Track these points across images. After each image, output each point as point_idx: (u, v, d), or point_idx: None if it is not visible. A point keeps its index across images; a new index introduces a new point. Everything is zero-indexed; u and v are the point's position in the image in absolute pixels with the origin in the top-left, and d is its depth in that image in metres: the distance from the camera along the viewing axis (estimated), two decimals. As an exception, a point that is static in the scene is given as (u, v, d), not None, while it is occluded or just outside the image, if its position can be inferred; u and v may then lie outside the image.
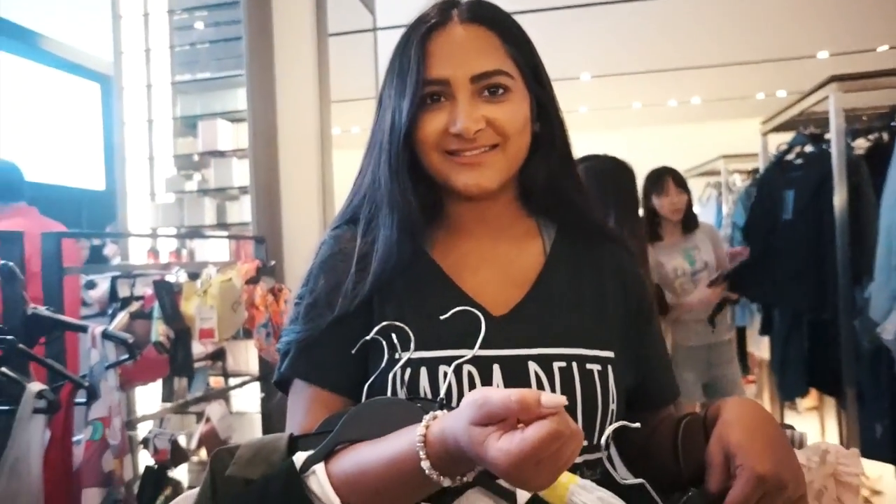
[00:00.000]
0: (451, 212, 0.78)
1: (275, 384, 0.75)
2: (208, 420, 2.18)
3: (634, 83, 7.99)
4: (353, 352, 0.71)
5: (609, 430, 0.67)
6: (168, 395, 2.25)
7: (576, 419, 0.67)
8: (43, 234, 1.47)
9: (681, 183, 2.47)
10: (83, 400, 1.35)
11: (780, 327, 2.65)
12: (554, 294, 0.75)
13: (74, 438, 1.33)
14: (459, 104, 0.70)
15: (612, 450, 0.75)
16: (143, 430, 2.05)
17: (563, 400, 0.49)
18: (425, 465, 0.53)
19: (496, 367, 0.68)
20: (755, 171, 3.77)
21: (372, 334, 0.70)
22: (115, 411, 1.32)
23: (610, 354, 0.73)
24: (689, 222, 2.47)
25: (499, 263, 0.77)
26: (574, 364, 0.70)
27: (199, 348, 2.13)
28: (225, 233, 2.72)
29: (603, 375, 0.71)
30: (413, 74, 0.71)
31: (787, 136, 2.67)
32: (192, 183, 2.78)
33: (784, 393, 2.82)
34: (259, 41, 2.62)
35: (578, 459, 0.68)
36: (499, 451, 0.47)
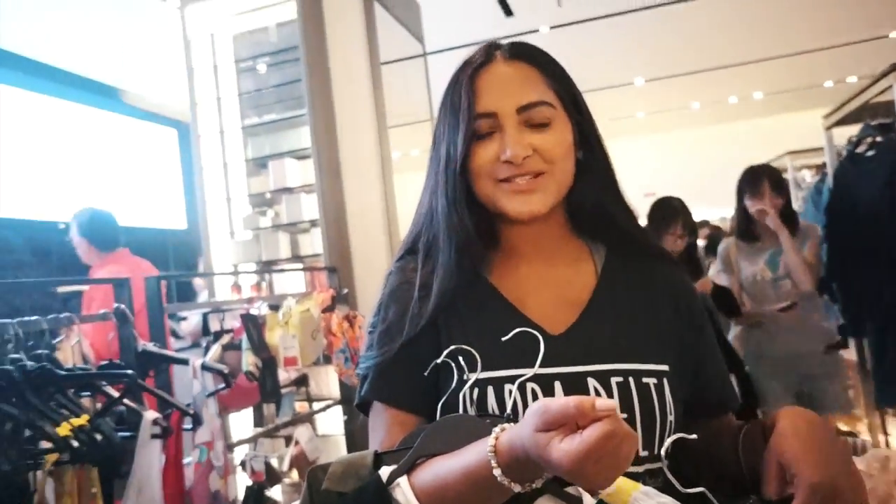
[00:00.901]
0: (505, 237, 0.84)
1: (356, 407, 0.82)
2: (297, 443, 2.31)
3: (692, 83, 7.83)
4: (424, 374, 0.76)
5: (667, 442, 0.71)
6: (259, 420, 2.41)
7: (635, 431, 0.70)
8: (146, 279, 1.63)
9: (778, 184, 2.35)
10: (189, 426, 1.49)
11: (873, 328, 2.47)
12: (607, 312, 0.79)
13: (185, 461, 1.47)
14: (507, 134, 0.76)
15: (671, 460, 0.78)
16: (239, 454, 2.21)
17: (615, 403, 0.54)
18: (497, 472, 0.58)
19: (557, 384, 0.73)
20: (823, 165, 3.64)
21: (441, 358, 0.76)
22: (218, 435, 1.46)
23: (665, 368, 0.76)
24: (787, 224, 2.30)
25: (554, 285, 0.81)
26: (631, 378, 0.74)
27: (284, 375, 2.27)
28: (300, 265, 2.88)
29: (659, 388, 0.74)
30: (464, 110, 0.77)
31: (853, 129, 2.59)
32: (266, 219, 2.97)
33: (883, 399, 2.57)
34: (318, 80, 2.79)
35: (640, 469, 0.72)
36: (561, 451, 0.52)
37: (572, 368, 0.74)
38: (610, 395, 0.72)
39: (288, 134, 3.01)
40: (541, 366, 0.72)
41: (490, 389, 0.73)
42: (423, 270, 0.82)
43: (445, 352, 0.76)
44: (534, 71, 0.79)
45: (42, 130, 5.71)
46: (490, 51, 0.81)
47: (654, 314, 0.81)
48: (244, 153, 3.05)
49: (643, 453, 0.73)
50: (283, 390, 2.33)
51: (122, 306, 1.48)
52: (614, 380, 0.73)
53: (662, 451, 0.71)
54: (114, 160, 6.35)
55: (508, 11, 5.76)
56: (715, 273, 2.69)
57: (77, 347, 1.42)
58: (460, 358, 0.76)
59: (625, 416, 0.71)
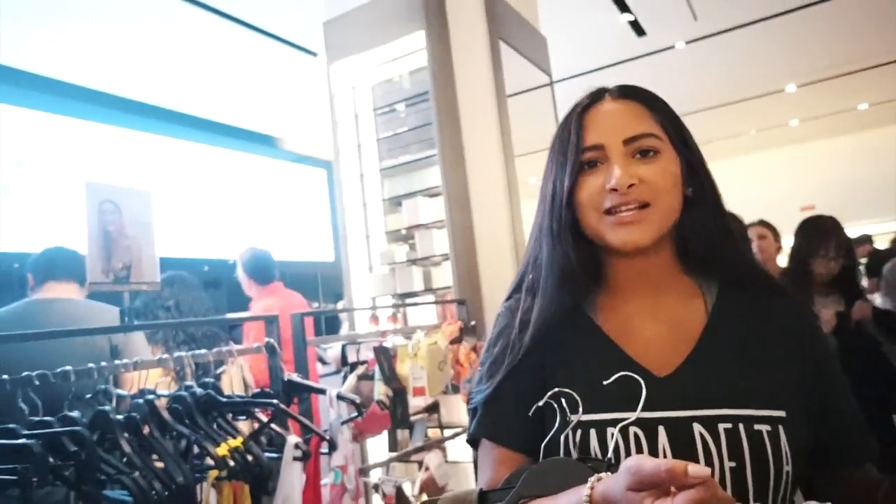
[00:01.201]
0: (611, 272, 0.84)
1: (467, 442, 0.86)
2: (427, 468, 2.41)
3: (856, 82, 7.08)
4: (529, 415, 0.78)
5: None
6: (393, 446, 2.55)
7: (745, 482, 0.69)
8: (292, 316, 1.83)
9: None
10: (326, 450, 1.64)
11: None
12: (718, 352, 0.76)
13: (322, 482, 1.62)
14: (614, 163, 0.77)
15: None
16: (374, 478, 2.35)
17: (708, 471, 0.52)
18: None
19: (661, 429, 0.72)
20: None
21: (543, 400, 0.78)
22: (350, 460, 1.59)
23: (781, 414, 0.72)
24: None
25: (661, 323, 0.80)
26: (741, 425, 0.71)
27: (418, 402, 2.39)
28: (431, 297, 3.02)
29: (773, 436, 0.71)
30: (573, 144, 0.80)
31: None
32: (401, 254, 3.15)
33: None
34: (447, 121, 2.94)
35: None
36: None
37: (678, 413, 0.72)
38: (717, 442, 0.70)
39: (421, 173, 3.19)
40: (645, 409, 0.72)
41: (592, 433, 0.74)
42: (524, 307, 0.84)
43: (548, 394, 0.78)
44: (640, 107, 0.81)
45: (210, 178, 6.52)
46: (598, 93, 0.84)
47: (771, 354, 0.77)
48: (381, 193, 3.28)
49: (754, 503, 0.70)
50: (415, 417, 2.45)
51: (272, 340, 1.67)
52: (722, 426, 0.71)
53: None
54: (272, 201, 7.08)
55: (640, 31, 5.64)
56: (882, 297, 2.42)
57: (238, 375, 1.63)
58: (563, 400, 0.77)
59: (733, 464, 0.69)
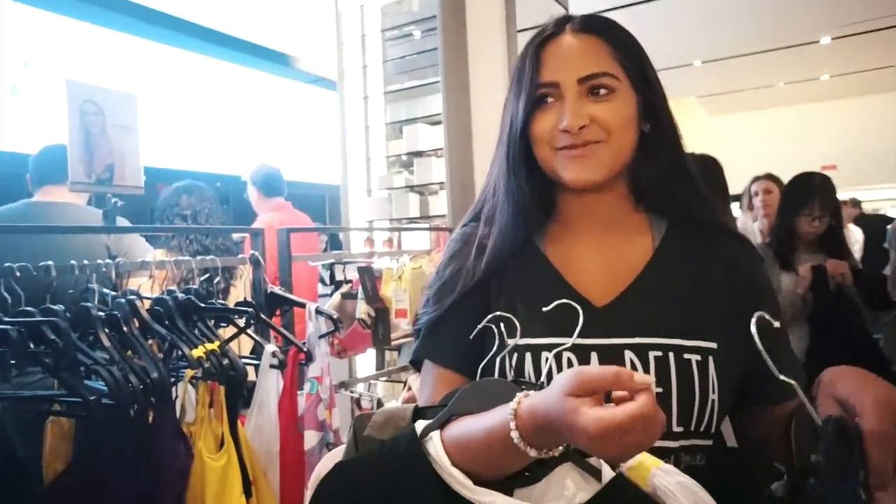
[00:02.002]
0: (562, 207, 0.85)
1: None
2: (409, 388, 2.50)
3: (893, 38, 6.76)
4: (470, 338, 0.80)
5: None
6: (380, 366, 2.65)
7: (670, 407, 0.73)
8: (278, 231, 1.86)
9: None
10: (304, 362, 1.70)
11: None
12: (656, 286, 0.79)
13: (299, 392, 1.69)
14: (567, 103, 0.77)
15: (714, 439, 0.78)
16: (357, 392, 2.45)
17: (651, 379, 0.54)
18: (514, 435, 0.59)
19: (594, 355, 0.75)
20: None
21: (483, 323, 0.80)
22: (326, 372, 1.65)
23: (712, 345, 0.75)
24: None
25: (606, 257, 0.82)
26: (671, 354, 0.74)
27: (406, 327, 2.46)
28: (426, 224, 3.04)
29: (702, 365, 0.74)
30: (527, 80, 0.80)
31: None
32: (400, 180, 3.15)
33: None
34: (453, 49, 2.87)
35: (674, 444, 0.73)
36: (590, 417, 0.52)
37: (611, 340, 0.75)
38: (646, 369, 0.73)
39: (425, 100, 3.15)
40: (580, 336, 0.72)
41: (528, 356, 0.76)
42: (481, 234, 0.85)
43: (488, 317, 0.80)
44: (601, 43, 0.79)
45: (224, 94, 6.44)
46: (561, 23, 0.82)
47: (709, 290, 0.79)
48: (384, 117, 3.25)
49: (677, 429, 0.73)
50: (403, 340, 2.53)
51: (256, 253, 1.71)
52: (653, 354, 0.74)
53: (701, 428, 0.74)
54: (284, 120, 7.02)
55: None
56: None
57: (248, 282, 1.67)
58: (502, 324, 0.79)
59: (660, 390, 0.71)
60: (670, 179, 0.82)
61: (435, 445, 0.67)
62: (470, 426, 0.66)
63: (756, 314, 0.64)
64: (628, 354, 0.75)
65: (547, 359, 0.75)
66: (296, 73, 7.26)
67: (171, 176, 2.67)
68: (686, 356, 0.74)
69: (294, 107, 7.30)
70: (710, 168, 2.08)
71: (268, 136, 6.73)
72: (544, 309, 0.77)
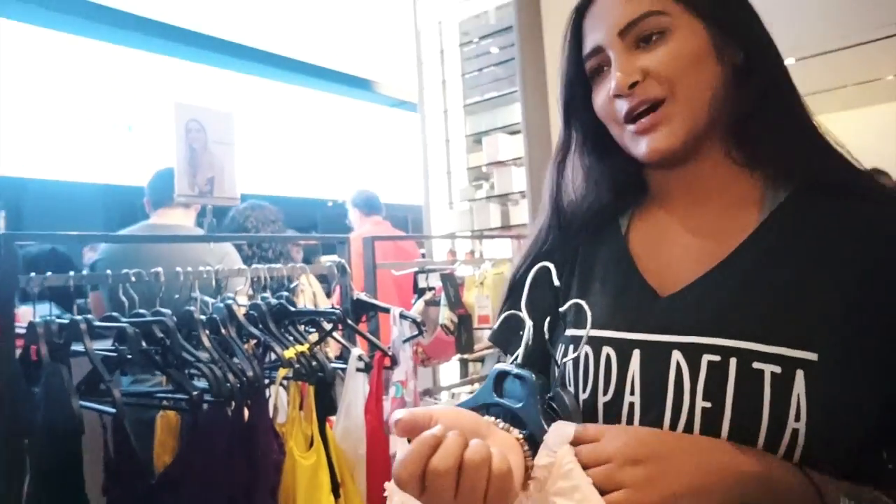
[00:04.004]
0: (652, 182, 0.73)
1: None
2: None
3: None
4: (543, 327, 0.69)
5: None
6: (465, 374, 2.66)
7: (719, 428, 0.56)
8: (364, 239, 1.93)
9: None
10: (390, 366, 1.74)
11: None
12: (742, 273, 0.61)
13: (385, 396, 1.73)
14: (613, 64, 0.64)
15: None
16: (443, 400, 2.47)
17: (428, 417, 0.51)
18: None
19: (636, 353, 0.62)
20: None
21: (562, 308, 0.69)
22: (410, 376, 1.68)
23: (807, 355, 0.54)
24: None
25: (697, 235, 0.66)
26: (733, 360, 0.56)
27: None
28: (508, 233, 3.04)
29: (782, 380, 0.54)
30: (567, 57, 0.71)
31: None
32: (481, 191, 3.18)
33: None
34: (531, 58, 2.88)
35: None
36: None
37: (658, 337, 0.61)
38: (694, 376, 0.58)
39: (503, 110, 3.17)
40: (626, 330, 0.64)
41: (570, 349, 0.68)
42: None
43: (567, 304, 0.69)
44: None
45: (315, 121, 6.76)
46: None
47: (828, 278, 0.57)
48: (464, 129, 3.29)
49: None
50: (488, 351, 2.53)
51: (342, 261, 1.77)
52: (707, 357, 0.57)
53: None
54: (369, 144, 7.27)
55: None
56: None
57: (309, 292, 1.75)
58: (571, 309, 0.69)
59: (707, 405, 0.56)
60: (782, 123, 0.64)
61: None
62: None
63: None
64: (675, 356, 0.59)
65: (587, 353, 0.66)
66: (378, 97, 7.51)
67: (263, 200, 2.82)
68: (757, 365, 0.55)
69: (377, 130, 7.55)
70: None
71: (352, 161, 6.99)
72: (590, 301, 0.66)
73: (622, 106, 0.64)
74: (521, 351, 0.66)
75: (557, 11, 2.90)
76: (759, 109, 0.63)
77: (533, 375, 0.62)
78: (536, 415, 0.60)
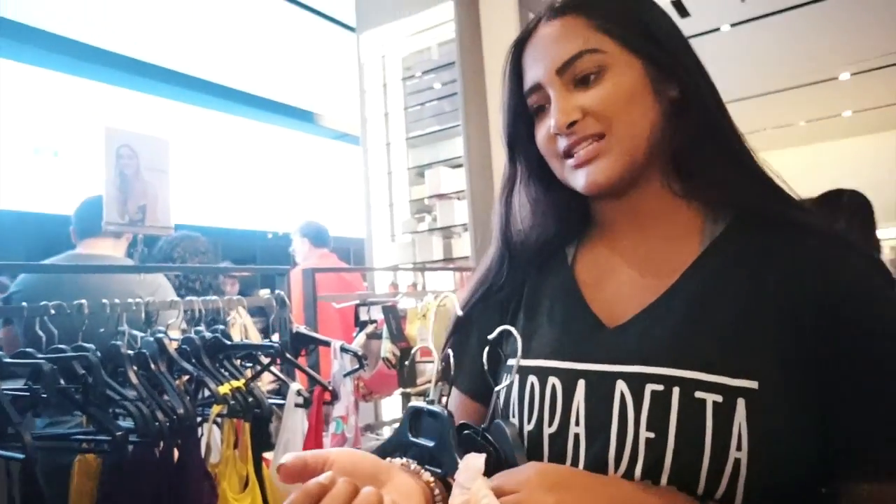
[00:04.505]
0: (596, 212, 0.74)
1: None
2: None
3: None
4: (480, 357, 0.70)
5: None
6: (406, 406, 2.61)
7: (662, 460, 0.55)
8: (304, 271, 1.88)
9: None
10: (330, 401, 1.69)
11: None
12: (684, 304, 0.61)
13: (325, 432, 1.67)
14: (552, 102, 0.65)
15: None
16: (385, 435, 2.41)
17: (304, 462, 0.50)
18: None
19: (581, 383, 0.62)
20: None
21: (493, 335, 0.70)
22: (351, 411, 1.63)
23: (748, 384, 0.55)
24: None
25: (640, 266, 0.67)
26: (676, 389, 0.56)
27: (431, 367, 2.43)
28: (450, 266, 3.05)
29: (723, 409, 0.54)
30: (508, 92, 0.72)
31: None
32: (423, 223, 3.18)
33: None
34: (473, 93, 2.94)
35: None
36: None
37: (603, 367, 0.62)
38: (638, 406, 0.58)
39: (445, 144, 3.21)
40: (573, 360, 0.64)
41: (516, 380, 0.68)
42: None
43: (496, 331, 0.71)
44: (576, 19, 0.65)
45: (255, 152, 6.65)
46: (532, 20, 0.70)
47: (765, 308, 0.58)
48: (406, 162, 3.31)
49: (669, 488, 0.55)
50: (428, 385, 2.49)
51: (281, 293, 1.72)
52: (650, 387, 0.58)
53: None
54: (308, 177, 7.20)
55: (684, 12, 5.48)
56: None
57: (240, 324, 1.68)
58: (513, 340, 0.69)
59: (650, 435, 0.56)
60: (715, 158, 0.64)
61: None
62: None
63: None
64: (620, 385, 0.59)
65: (532, 383, 0.66)
66: (319, 129, 7.48)
67: (199, 232, 2.73)
68: (700, 395, 0.55)
69: (318, 162, 7.50)
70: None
71: (293, 192, 6.89)
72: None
73: (562, 143, 0.66)
74: (431, 387, 0.67)
75: (499, 48, 2.99)
76: (695, 142, 0.65)
77: (445, 411, 0.63)
78: (451, 452, 0.59)
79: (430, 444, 0.62)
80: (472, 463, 0.57)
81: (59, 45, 4.92)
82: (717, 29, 5.75)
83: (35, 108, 4.84)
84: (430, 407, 0.64)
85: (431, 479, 0.58)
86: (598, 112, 0.63)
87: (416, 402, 0.67)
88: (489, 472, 0.57)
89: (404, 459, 0.61)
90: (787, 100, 7.43)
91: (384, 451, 0.66)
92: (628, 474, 0.57)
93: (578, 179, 0.66)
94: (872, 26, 5.89)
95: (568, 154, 0.66)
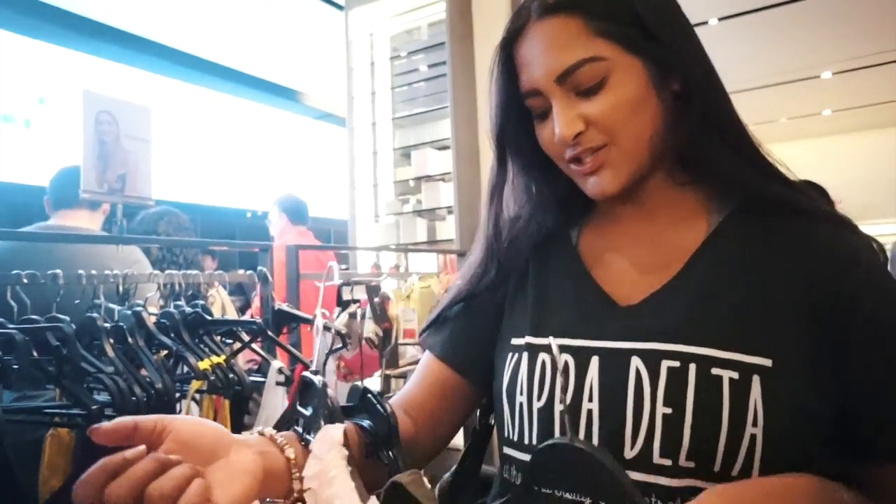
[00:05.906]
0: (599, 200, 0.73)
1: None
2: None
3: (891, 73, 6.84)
4: (477, 330, 0.76)
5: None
6: (386, 389, 2.59)
7: (680, 434, 0.56)
8: (287, 247, 1.85)
9: None
10: (311, 379, 1.66)
11: None
12: (697, 283, 0.63)
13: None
14: (554, 111, 0.65)
15: None
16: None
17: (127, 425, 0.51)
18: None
19: (594, 360, 0.63)
20: None
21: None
22: (333, 389, 1.61)
23: (762, 361, 0.56)
24: None
25: (649, 247, 0.69)
26: (692, 366, 0.57)
27: (415, 353, 2.42)
28: (434, 248, 3.03)
29: (739, 386, 0.56)
30: (502, 90, 0.70)
31: None
32: (408, 205, 3.15)
33: None
34: (461, 75, 2.91)
35: (679, 483, 0.56)
36: None
37: (617, 344, 0.62)
38: (654, 382, 0.59)
39: (432, 125, 3.17)
40: (586, 338, 0.65)
41: (525, 356, 0.68)
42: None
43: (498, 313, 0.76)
44: (572, 20, 0.63)
45: (237, 129, 6.53)
46: (522, 14, 0.68)
47: (776, 289, 0.60)
48: (392, 143, 3.27)
49: (686, 463, 0.56)
50: (409, 367, 2.48)
51: (264, 269, 1.69)
52: (667, 363, 0.59)
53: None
54: (291, 156, 7.10)
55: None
56: None
57: (219, 303, 1.65)
58: (514, 321, 0.74)
59: (667, 411, 0.57)
60: (718, 146, 0.65)
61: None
62: None
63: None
64: (635, 362, 0.60)
65: (543, 361, 0.66)
66: (303, 108, 7.37)
67: (180, 209, 2.66)
68: (716, 371, 0.57)
69: (300, 142, 7.39)
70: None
71: (275, 171, 6.79)
72: (540, 310, 0.71)
73: (568, 151, 0.66)
74: (315, 358, 0.74)
75: (489, 30, 2.96)
76: (699, 132, 0.65)
77: (320, 381, 0.65)
78: (318, 422, 0.61)
79: (308, 413, 0.64)
80: (330, 434, 0.57)
81: (33, 9, 4.75)
82: (706, 22, 5.76)
83: (5, 76, 4.68)
84: (310, 376, 0.66)
85: (293, 455, 0.57)
86: (601, 123, 0.63)
87: (307, 373, 0.69)
88: (376, 442, 0.60)
89: (281, 433, 0.61)
90: (769, 96, 7.49)
91: (280, 422, 0.70)
92: (645, 450, 0.58)
93: (587, 187, 0.68)
94: (855, 27, 5.96)
95: (574, 160, 0.67)
